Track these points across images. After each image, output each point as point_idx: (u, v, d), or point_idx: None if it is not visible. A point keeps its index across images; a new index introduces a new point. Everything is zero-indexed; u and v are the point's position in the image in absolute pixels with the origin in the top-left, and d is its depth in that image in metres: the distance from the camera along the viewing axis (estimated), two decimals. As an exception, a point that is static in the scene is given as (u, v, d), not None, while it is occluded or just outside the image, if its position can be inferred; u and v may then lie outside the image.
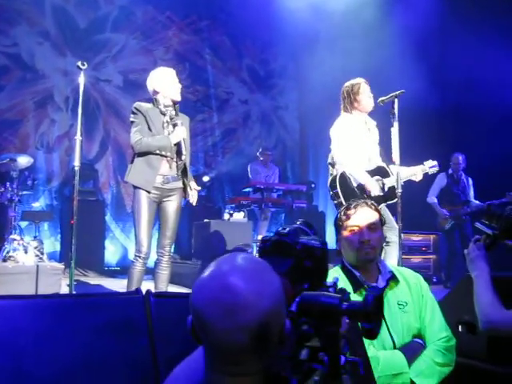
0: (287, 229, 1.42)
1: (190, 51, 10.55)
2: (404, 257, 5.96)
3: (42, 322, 1.81)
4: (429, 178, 5.71)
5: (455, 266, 7.28)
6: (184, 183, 4.48)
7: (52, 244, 8.75)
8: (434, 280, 7.80)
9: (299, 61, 10.91)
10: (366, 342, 2.21)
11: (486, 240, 2.35)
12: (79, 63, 4.29)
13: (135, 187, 4.32)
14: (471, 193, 7.63)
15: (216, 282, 1.13)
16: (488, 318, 2.14)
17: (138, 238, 4.25)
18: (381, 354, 2.23)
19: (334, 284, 1.26)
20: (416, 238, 7.84)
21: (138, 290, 2.02)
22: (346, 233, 2.46)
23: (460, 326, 2.70)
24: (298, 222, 1.47)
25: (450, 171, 7.63)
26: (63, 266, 5.97)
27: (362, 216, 2.46)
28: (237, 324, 1.09)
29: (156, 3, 10.14)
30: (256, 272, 1.16)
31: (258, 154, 9.07)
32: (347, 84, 4.88)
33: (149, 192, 4.26)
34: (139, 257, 4.22)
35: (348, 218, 2.46)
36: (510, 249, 2.26)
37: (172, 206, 4.41)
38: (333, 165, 4.79)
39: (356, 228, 2.44)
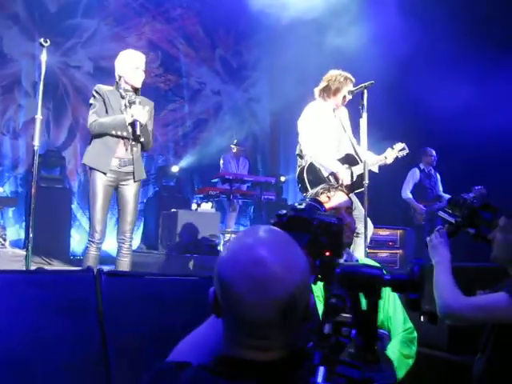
0: (303, 204, 1.45)
1: (162, 40, 10.43)
2: (370, 251, 5.97)
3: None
4: (396, 172, 5.69)
5: (422, 261, 7.29)
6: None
7: (16, 231, 8.57)
8: (401, 275, 7.80)
9: (272, 53, 10.84)
10: None
11: (449, 228, 2.36)
12: (41, 40, 4.05)
13: (91, 169, 4.20)
14: (440, 187, 7.67)
15: (245, 256, 1.13)
16: (447, 304, 2.14)
17: (92, 222, 4.15)
18: None
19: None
20: (383, 232, 7.83)
21: (89, 268, 1.97)
22: None
23: (422, 316, 2.71)
24: (308, 199, 1.49)
25: (422, 166, 7.65)
26: (25, 253, 5.84)
27: (341, 199, 2.44)
28: (267, 297, 1.10)
29: (129, -11, 9.96)
30: (282, 244, 1.17)
31: (231, 145, 8.96)
32: (334, 73, 4.72)
33: (105, 174, 4.15)
34: (92, 242, 4.13)
35: (329, 199, 2.42)
36: (471, 236, 2.27)
37: (130, 190, 4.29)
38: (301, 156, 4.71)
39: (336, 211, 2.40)
